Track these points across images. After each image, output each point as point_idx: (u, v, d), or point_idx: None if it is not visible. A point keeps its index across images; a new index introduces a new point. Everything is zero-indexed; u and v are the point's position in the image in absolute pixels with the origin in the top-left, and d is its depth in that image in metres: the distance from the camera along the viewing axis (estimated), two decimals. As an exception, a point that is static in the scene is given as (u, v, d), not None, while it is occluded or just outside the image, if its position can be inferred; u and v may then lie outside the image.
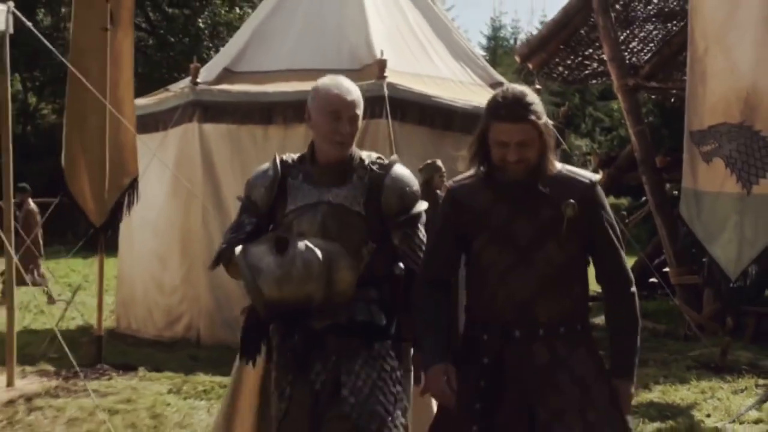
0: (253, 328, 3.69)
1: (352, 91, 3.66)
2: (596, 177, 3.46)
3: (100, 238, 8.30)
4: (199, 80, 10.09)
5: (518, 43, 48.68)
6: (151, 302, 10.46)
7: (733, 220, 7.29)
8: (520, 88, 3.38)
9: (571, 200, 3.27)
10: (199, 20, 26.99)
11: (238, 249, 3.49)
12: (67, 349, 6.61)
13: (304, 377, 3.57)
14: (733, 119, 7.30)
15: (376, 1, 10.85)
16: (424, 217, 3.74)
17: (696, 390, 8.02)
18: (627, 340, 3.42)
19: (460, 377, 3.35)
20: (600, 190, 3.41)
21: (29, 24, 7.02)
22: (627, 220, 15.77)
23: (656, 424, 6.77)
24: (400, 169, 3.72)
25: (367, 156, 3.75)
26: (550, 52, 13.99)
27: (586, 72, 15.19)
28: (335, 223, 3.61)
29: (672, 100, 16.75)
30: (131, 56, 8.59)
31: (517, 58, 14.53)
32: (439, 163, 8.76)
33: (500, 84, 11.04)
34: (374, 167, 3.70)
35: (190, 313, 10.06)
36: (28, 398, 6.93)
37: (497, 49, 44.69)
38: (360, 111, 3.67)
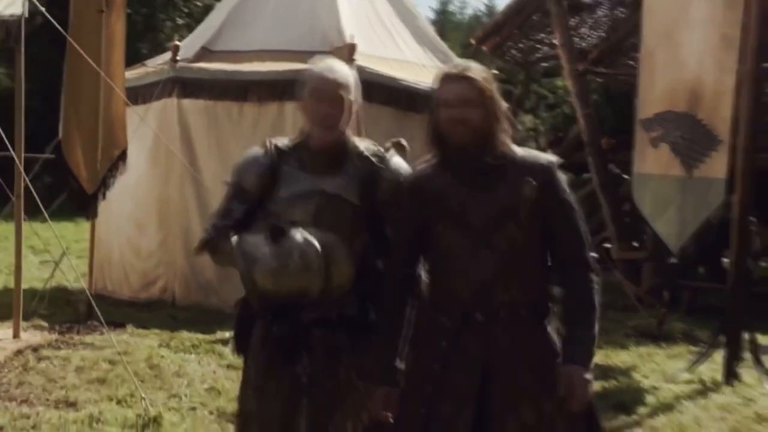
0: (246, 320, 3.67)
1: (337, 70, 3.61)
2: (555, 158, 3.47)
3: (91, 204, 9.00)
4: (178, 58, 10.79)
5: (466, 17, 49.56)
6: (127, 265, 11.18)
7: (677, 199, 8.18)
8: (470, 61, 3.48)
9: (530, 179, 3.30)
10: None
11: (234, 238, 3.46)
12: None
13: (290, 371, 3.55)
14: (679, 108, 8.16)
15: (346, -13, 11.60)
16: None
17: (634, 355, 8.97)
18: (583, 327, 3.32)
19: (414, 358, 3.43)
20: (559, 171, 3.42)
21: (42, 8, 7.75)
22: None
23: (600, 382, 7.68)
24: (399, 161, 3.70)
25: (363, 145, 3.71)
26: (504, 36, 14.93)
27: (538, 55, 16.18)
28: (330, 213, 3.56)
29: (618, 84, 17.74)
30: (123, 37, 9.30)
31: (473, 41, 15.42)
32: (404, 141, 9.53)
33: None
34: (371, 157, 3.66)
35: (165, 276, 10.81)
36: (35, 348, 7.68)
37: (445, 23, 45.67)
38: (346, 93, 3.59)
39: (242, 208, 3.64)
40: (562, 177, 3.41)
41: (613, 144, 13.77)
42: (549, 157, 3.45)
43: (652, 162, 8.26)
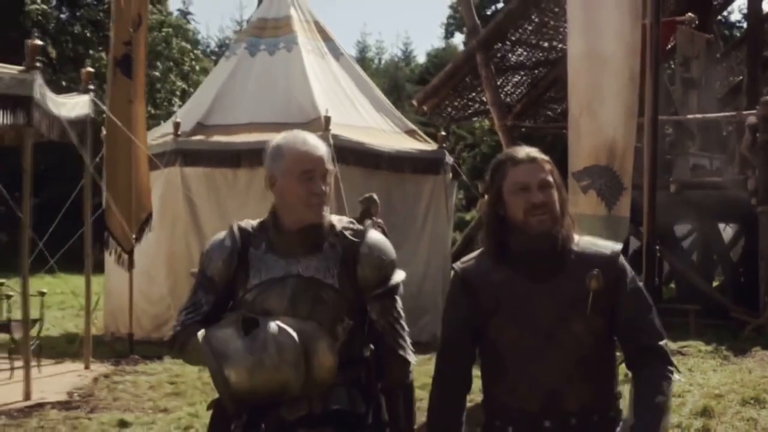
0: (219, 425, 3.37)
1: (319, 145, 3.34)
2: (618, 247, 3.30)
3: (129, 258, 11.27)
4: (179, 132, 13.13)
5: (383, 62, 52.36)
6: (139, 311, 13.37)
7: (603, 234, 10.65)
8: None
9: (595, 271, 3.09)
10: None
11: (200, 334, 3.15)
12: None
13: None
14: (601, 162, 10.67)
15: (314, 67, 14.15)
16: (401, 288, 3.43)
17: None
18: (651, 416, 3.10)
19: None
20: (623, 259, 3.25)
21: (104, 107, 10.05)
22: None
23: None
24: (376, 236, 3.41)
25: (338, 221, 3.42)
26: (441, 97, 17.59)
27: (470, 111, 18.84)
28: (307, 298, 3.26)
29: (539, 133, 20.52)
30: (144, 120, 11.61)
31: (414, 103, 18.02)
32: (375, 196, 12.07)
33: (413, 131, 14.59)
34: (347, 233, 3.36)
35: (175, 318, 13.05)
36: (106, 375, 9.89)
37: (364, 69, 48.27)
38: (331, 166, 3.35)
39: (210, 300, 3.36)
40: (627, 266, 3.24)
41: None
42: (613, 246, 3.29)
43: (584, 204, 10.76)
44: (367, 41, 60.32)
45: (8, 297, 10.33)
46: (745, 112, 15.55)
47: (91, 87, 10.31)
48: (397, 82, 48.74)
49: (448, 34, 50.43)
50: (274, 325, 3.11)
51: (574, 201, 11.09)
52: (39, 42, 8.40)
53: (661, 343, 3.20)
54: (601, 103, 10.69)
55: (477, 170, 36.54)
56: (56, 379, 9.56)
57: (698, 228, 18.90)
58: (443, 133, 14.80)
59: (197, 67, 37.03)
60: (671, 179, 14.97)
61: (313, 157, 3.28)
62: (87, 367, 10.23)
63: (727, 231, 19.94)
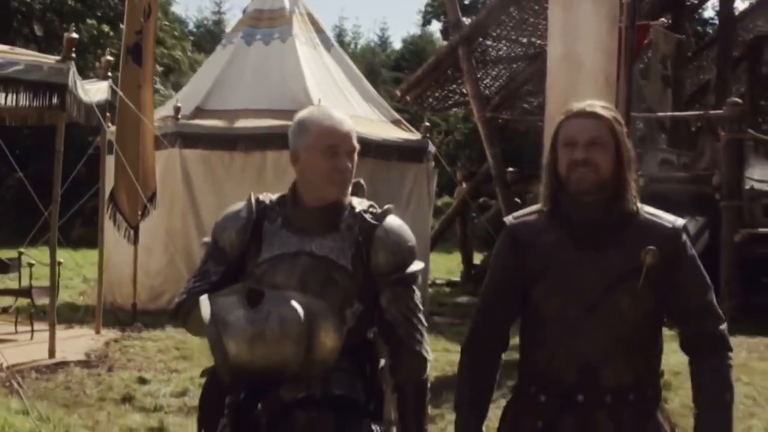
0: (212, 396, 3.33)
1: (345, 121, 3.33)
2: (681, 222, 3.13)
3: (135, 233, 12.27)
4: (179, 116, 14.11)
5: (359, 47, 53.33)
6: (137, 283, 14.35)
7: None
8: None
9: (652, 247, 2.97)
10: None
11: (203, 298, 3.11)
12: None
13: None
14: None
15: (307, 57, 15.15)
16: (419, 279, 3.36)
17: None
18: (720, 413, 3.04)
19: None
20: (686, 236, 3.11)
21: (120, 92, 11.02)
22: (476, 220, 20.56)
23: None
24: (395, 221, 3.33)
25: (359, 203, 3.38)
26: (424, 87, 18.64)
27: (450, 102, 19.92)
28: (317, 278, 3.22)
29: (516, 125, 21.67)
30: (152, 104, 12.59)
31: (398, 93, 19.09)
32: (362, 181, 13.05)
33: (398, 121, 15.66)
34: (366, 216, 3.30)
35: (171, 290, 14.02)
36: (115, 340, 10.89)
37: (340, 55, 49.44)
38: (357, 144, 3.35)
39: (220, 270, 3.33)
40: (690, 244, 3.12)
41: (516, 177, 17.47)
42: (677, 221, 3.12)
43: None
44: (344, 26, 61.36)
45: (31, 265, 11.29)
46: (712, 112, 16.73)
47: (109, 74, 11.28)
48: (373, 68, 49.68)
49: (426, 22, 51.42)
50: (279, 298, 3.08)
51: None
52: (75, 35, 9.35)
53: (722, 327, 3.11)
54: (577, 102, 11.79)
55: (451, 157, 37.65)
56: (71, 342, 10.50)
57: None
58: (427, 123, 15.86)
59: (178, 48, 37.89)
60: (640, 173, 16.05)
61: (338, 132, 3.26)
62: (98, 332, 11.22)
63: (693, 224, 21.07)
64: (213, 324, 3.02)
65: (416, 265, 3.32)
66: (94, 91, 10.45)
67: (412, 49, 51.35)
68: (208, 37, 53.98)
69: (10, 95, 8.69)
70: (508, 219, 3.26)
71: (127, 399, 8.17)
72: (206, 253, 3.44)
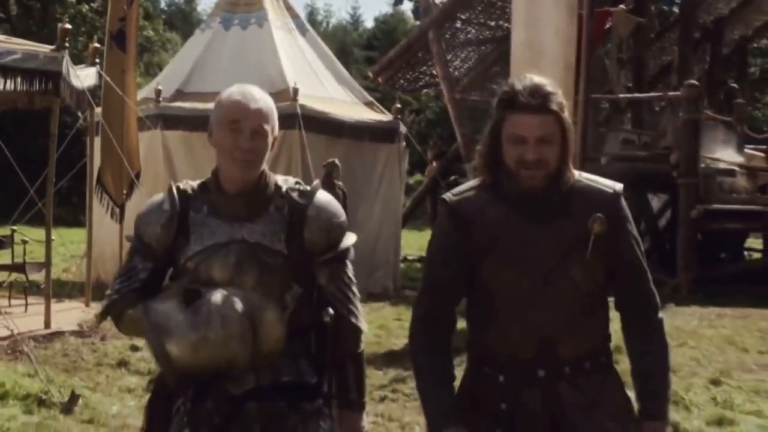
0: (160, 400, 3.27)
1: (259, 99, 3.16)
2: (619, 186, 3.13)
3: (120, 212, 12.98)
4: (160, 98, 14.81)
5: (330, 26, 53.94)
6: (119, 259, 15.06)
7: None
8: (539, 77, 3.01)
9: (599, 214, 2.97)
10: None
11: (140, 307, 3.06)
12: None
13: None
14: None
15: (282, 42, 15.87)
16: (352, 253, 3.33)
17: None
18: (658, 376, 3.09)
19: (468, 422, 3.07)
20: (624, 201, 3.11)
21: (108, 78, 11.71)
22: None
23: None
24: (324, 197, 3.28)
25: (284, 181, 3.29)
26: (395, 69, 19.39)
27: (421, 83, 20.69)
28: (252, 265, 3.15)
29: (485, 106, 22.49)
30: (135, 88, 13.28)
31: (370, 74, 19.84)
32: (337, 161, 13.88)
33: (371, 103, 16.43)
34: (294, 195, 3.24)
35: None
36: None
37: (312, 33, 50.09)
38: (269, 126, 3.15)
39: (148, 267, 3.23)
40: (626, 208, 3.12)
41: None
42: (615, 186, 3.12)
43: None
44: (316, 4, 61.99)
45: (24, 242, 11.99)
46: (670, 93, 17.58)
47: (97, 60, 11.96)
48: (345, 47, 50.40)
49: (397, 1, 52.09)
50: (217, 297, 3.02)
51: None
52: (68, 26, 10.04)
53: (653, 292, 3.15)
54: None
55: (422, 136, 38.36)
56: (63, 314, 11.18)
57: (628, 197, 20.76)
58: (398, 105, 16.65)
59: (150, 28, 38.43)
60: (603, 152, 16.88)
61: (243, 107, 3.10)
62: (87, 305, 11.94)
63: (655, 201, 21.93)
64: (154, 333, 2.98)
65: (348, 239, 3.30)
66: (84, 76, 11.11)
67: (383, 28, 52.10)
68: (179, 16, 54.50)
69: (8, 81, 9.36)
70: (448, 196, 3.18)
71: (122, 364, 8.90)
72: (131, 248, 3.31)
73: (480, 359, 3.16)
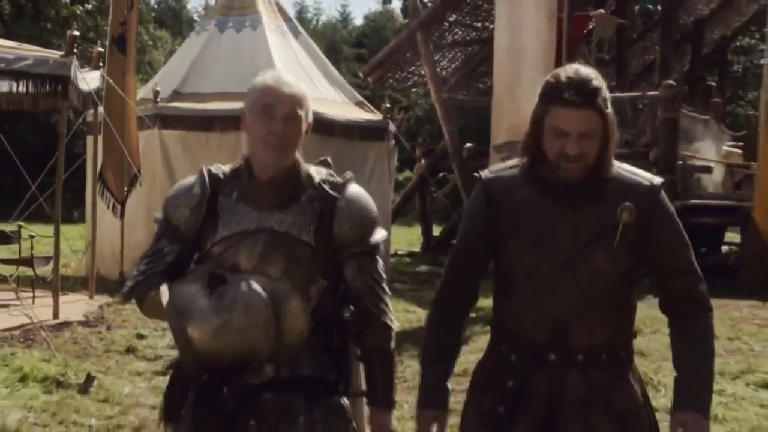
0: (178, 386, 3.27)
1: (292, 84, 3.18)
2: (659, 180, 3.10)
3: (122, 208, 13.62)
4: (158, 99, 15.46)
5: (320, 24, 54.54)
6: (118, 254, 15.68)
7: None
8: (585, 69, 3.01)
9: (628, 203, 2.96)
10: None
11: (163, 289, 3.01)
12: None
13: None
14: (518, 138, 13.19)
15: (276, 44, 16.51)
16: (382, 249, 3.33)
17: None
18: (703, 368, 3.06)
19: (475, 394, 3.22)
20: (664, 194, 3.08)
21: (111, 81, 12.35)
22: (435, 195, 22.02)
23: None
24: (356, 189, 3.27)
25: (317, 172, 3.30)
26: (385, 69, 20.07)
27: (409, 83, 21.38)
28: (279, 255, 3.14)
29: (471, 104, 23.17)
30: (135, 89, 13.94)
31: (361, 74, 20.53)
32: (329, 159, 14.43)
33: (362, 103, 17.10)
34: (325, 186, 3.23)
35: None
36: (108, 304, 12.25)
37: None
38: (303, 111, 3.16)
39: (174, 249, 3.23)
40: (668, 202, 3.09)
41: (471, 152, 18.88)
42: (653, 179, 3.10)
43: (503, 174, 13.33)
44: (305, 2, 62.65)
45: (31, 237, 12.65)
46: (649, 93, 18.26)
47: (101, 64, 12.61)
48: (335, 45, 50.98)
49: (386, 0, 52.69)
50: (243, 284, 3.00)
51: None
52: (76, 33, 10.70)
53: (702, 287, 3.12)
54: (521, 89, 12.96)
55: (411, 133, 39.00)
56: (69, 306, 11.77)
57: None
58: (388, 105, 17.34)
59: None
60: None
61: (276, 92, 3.13)
62: (91, 297, 12.58)
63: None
64: (176, 316, 2.96)
65: (379, 234, 3.29)
66: (89, 79, 11.77)
67: (373, 25, 52.72)
68: (169, 13, 55.02)
69: (21, 85, 10.04)
70: (484, 172, 3.26)
71: (130, 350, 9.55)
72: (158, 230, 3.32)
73: (499, 336, 3.21)
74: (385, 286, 3.30)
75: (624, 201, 2.99)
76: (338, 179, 3.30)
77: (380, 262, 3.31)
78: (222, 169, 3.31)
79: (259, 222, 3.18)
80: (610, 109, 2.99)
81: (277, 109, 3.12)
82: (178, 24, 53.85)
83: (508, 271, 3.12)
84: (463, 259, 3.26)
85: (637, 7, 27.76)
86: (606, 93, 2.99)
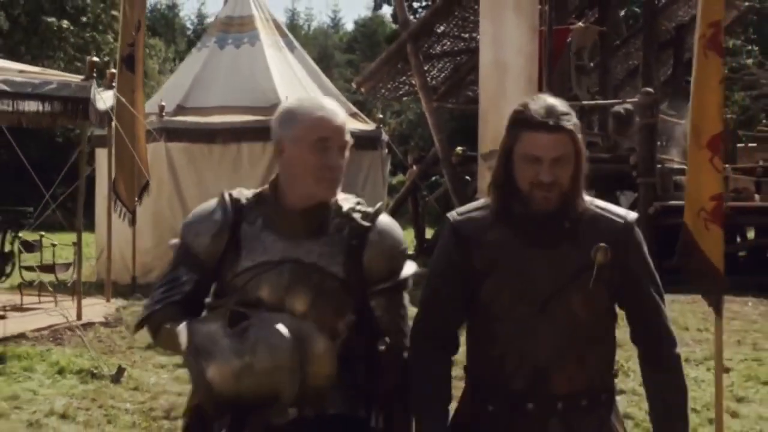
0: (196, 427, 3.13)
1: (339, 112, 3.07)
2: (633, 216, 3.08)
3: (132, 216, 14.70)
4: (163, 113, 16.56)
5: (312, 29, 55.57)
6: (127, 260, 16.73)
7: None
8: (553, 98, 3.00)
9: (603, 244, 2.93)
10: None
11: (181, 328, 2.90)
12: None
13: None
14: (503, 146, 14.34)
15: (273, 59, 17.65)
16: (410, 283, 3.18)
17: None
18: (676, 415, 3.08)
19: None
20: (638, 231, 3.06)
21: (124, 100, 13.44)
22: (427, 198, 23.07)
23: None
24: (388, 221, 3.15)
25: (344, 199, 3.14)
26: (377, 80, 21.19)
27: (401, 92, 22.56)
28: (307, 288, 3.01)
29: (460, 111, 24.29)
30: (143, 105, 15.05)
31: (354, 85, 21.68)
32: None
33: (355, 114, 18.21)
34: (355, 216, 3.09)
35: (159, 266, 16.43)
36: (124, 307, 13.32)
37: (294, 37, 51.80)
38: (350, 138, 3.07)
39: (193, 279, 3.10)
40: (640, 236, 3.06)
41: (460, 158, 19.92)
42: (628, 215, 3.07)
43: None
44: (296, 8, 63.73)
45: (53, 245, 13.74)
46: (628, 100, 19.35)
47: (114, 84, 13.69)
48: (326, 51, 51.98)
49: (377, 6, 53.67)
50: (266, 323, 2.89)
51: (484, 176, 14.70)
52: (96, 59, 11.84)
53: (668, 323, 3.12)
54: (505, 101, 13.87)
55: (403, 137, 40.00)
56: (89, 309, 12.79)
57: (598, 196, 22.43)
58: (380, 115, 18.48)
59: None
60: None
61: (330, 125, 3.02)
62: (108, 300, 13.67)
63: (623, 198, 23.60)
64: (195, 358, 2.87)
65: (409, 268, 3.19)
66: (105, 99, 12.86)
67: (364, 31, 53.69)
68: (162, 22, 56.00)
69: (46, 106, 11.15)
70: (452, 215, 3.16)
71: (151, 347, 10.58)
72: (176, 257, 3.20)
73: (475, 385, 3.14)
74: (409, 322, 3.21)
75: (599, 240, 2.96)
76: (369, 209, 3.17)
77: (406, 296, 3.22)
78: (244, 193, 3.19)
79: (284, 252, 3.06)
80: (580, 136, 2.98)
81: (333, 141, 3.03)
82: (171, 32, 54.84)
83: (485, 314, 3.05)
84: (439, 302, 3.15)
85: (623, 12, 28.91)
86: (576, 119, 2.97)
